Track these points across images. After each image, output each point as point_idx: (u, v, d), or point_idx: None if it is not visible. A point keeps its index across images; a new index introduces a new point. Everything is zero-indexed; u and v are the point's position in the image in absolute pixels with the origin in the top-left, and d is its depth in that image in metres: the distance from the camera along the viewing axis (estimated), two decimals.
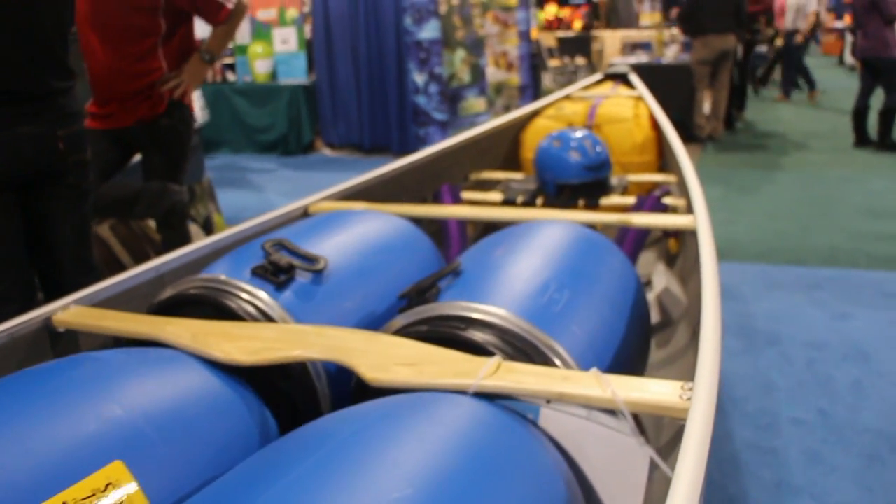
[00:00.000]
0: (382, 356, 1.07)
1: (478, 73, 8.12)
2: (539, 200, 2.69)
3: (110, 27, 2.78)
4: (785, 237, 4.35)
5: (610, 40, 9.67)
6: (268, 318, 1.27)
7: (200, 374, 1.09)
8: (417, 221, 1.93)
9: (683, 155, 2.28)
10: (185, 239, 3.30)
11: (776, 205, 5.09)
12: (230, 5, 2.88)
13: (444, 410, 0.89)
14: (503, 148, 3.29)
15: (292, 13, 8.04)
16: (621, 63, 7.94)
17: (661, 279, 2.14)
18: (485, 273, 1.28)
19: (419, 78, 7.23)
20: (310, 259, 1.39)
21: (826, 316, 3.22)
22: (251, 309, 1.27)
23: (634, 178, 2.93)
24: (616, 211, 2.53)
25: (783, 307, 3.35)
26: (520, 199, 2.68)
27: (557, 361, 1.10)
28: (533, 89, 8.79)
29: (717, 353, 1.05)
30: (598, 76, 4.00)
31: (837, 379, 2.67)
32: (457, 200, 2.58)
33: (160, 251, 3.44)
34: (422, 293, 1.24)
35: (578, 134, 2.73)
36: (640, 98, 3.44)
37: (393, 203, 2.20)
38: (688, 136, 7.41)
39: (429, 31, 7.17)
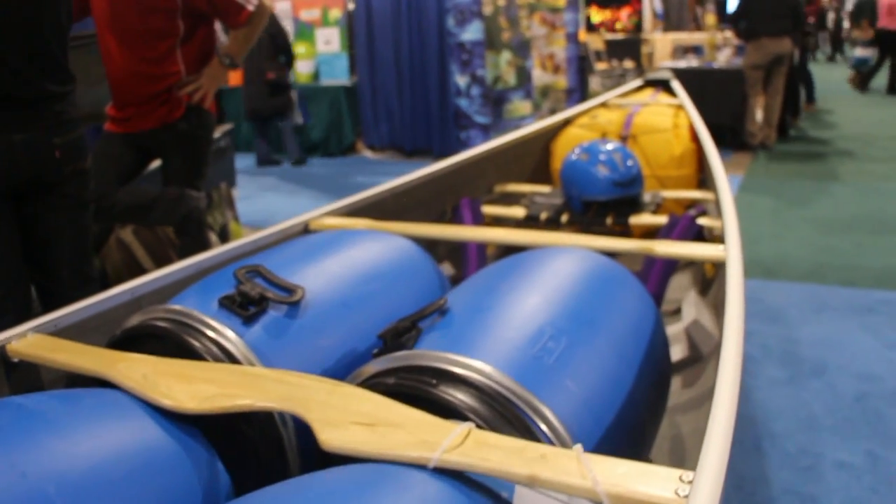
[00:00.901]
0: (342, 411, 0.93)
1: (523, 76, 7.95)
2: (564, 217, 2.54)
3: (128, 30, 2.71)
4: (836, 255, 4.10)
5: (661, 43, 9.40)
6: (231, 358, 1.15)
7: (141, 424, 0.97)
8: (431, 241, 1.80)
9: (721, 173, 2.10)
10: (204, 247, 3.22)
11: (828, 219, 4.82)
12: (251, 7, 2.78)
13: (394, 492, 0.75)
14: (533, 158, 3.13)
15: (335, 13, 7.98)
16: (669, 67, 7.68)
17: (692, 308, 1.95)
18: (473, 314, 1.13)
19: (461, 80, 7.10)
20: (286, 289, 1.26)
21: (879, 344, 2.99)
22: (213, 347, 1.15)
23: (669, 194, 2.75)
24: (647, 230, 2.36)
25: (832, 333, 3.12)
26: (543, 215, 2.52)
27: (543, 427, 0.95)
28: (580, 92, 8.58)
29: (728, 439, 0.88)
30: (637, 82, 3.81)
31: (890, 418, 2.45)
32: (476, 215, 2.44)
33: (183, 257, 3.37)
34: (398, 336, 1.10)
35: (608, 146, 2.56)
36: (680, 107, 3.25)
37: (404, 220, 2.07)
38: (739, 143, 7.13)
39: (471, 32, 7.02)
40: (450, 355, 1.01)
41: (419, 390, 0.98)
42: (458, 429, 0.85)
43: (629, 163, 2.53)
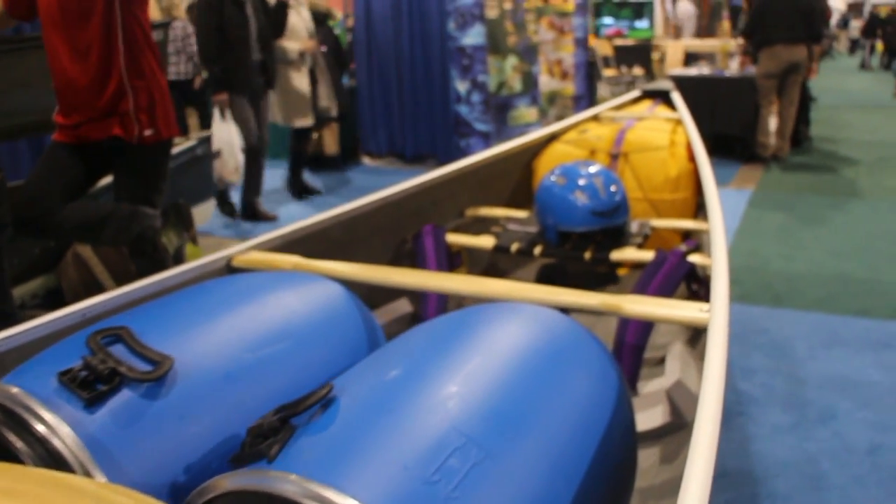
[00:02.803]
0: None
1: (530, 82, 7.69)
2: (537, 249, 2.26)
3: (71, 25, 2.50)
4: (850, 280, 3.81)
5: (672, 49, 9.11)
6: (58, 462, 0.90)
7: None
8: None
9: (716, 204, 1.84)
10: (162, 268, 2.98)
11: (843, 239, 4.52)
12: None
13: None
14: (513, 178, 2.86)
15: (336, 15, 7.75)
16: (679, 75, 7.39)
17: (677, 364, 1.67)
18: (364, 411, 0.87)
19: (461, 86, 6.84)
20: (151, 360, 1.01)
21: None
22: (37, 446, 0.90)
23: (660, 223, 2.47)
24: (633, 266, 2.10)
25: (844, 370, 2.84)
26: (514, 246, 2.25)
27: None
28: (588, 99, 8.31)
29: None
30: (634, 93, 3.53)
31: None
32: (439, 245, 2.19)
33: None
34: (261, 438, 0.84)
35: (590, 169, 2.28)
36: (679, 122, 2.96)
37: (353, 253, 1.82)
38: (749, 155, 6.83)
39: (473, 36, 6.77)
40: (311, 486, 0.75)
41: None
42: None
43: (612, 188, 2.25)
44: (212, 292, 1.26)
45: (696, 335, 2.06)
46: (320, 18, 6.87)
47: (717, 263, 1.43)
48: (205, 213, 4.49)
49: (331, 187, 6.56)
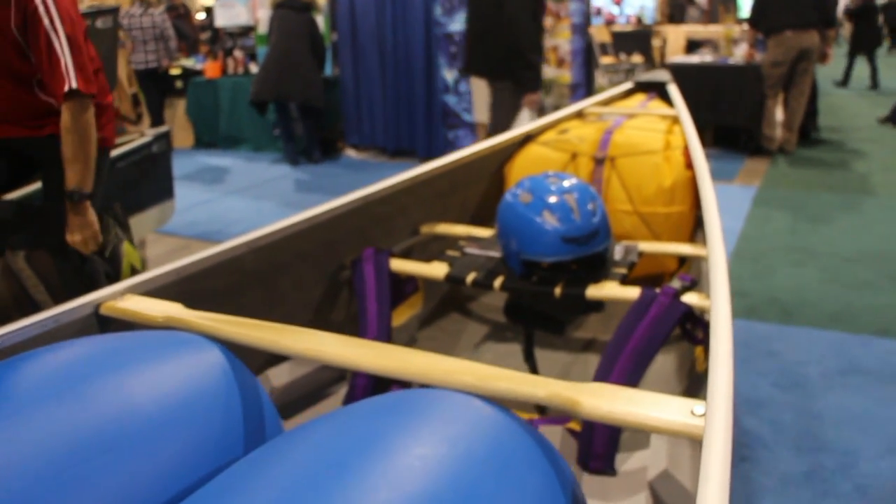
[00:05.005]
0: None
1: None
2: (497, 281, 1.87)
3: None
4: (869, 291, 3.44)
5: (673, 36, 8.69)
6: None
7: None
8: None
9: (716, 227, 1.47)
10: (92, 279, 2.65)
11: (858, 242, 4.14)
12: (74, 83, 2.09)
13: None
14: (480, 186, 2.47)
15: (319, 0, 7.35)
16: (680, 63, 7.00)
17: (664, 446, 1.27)
18: None
19: (449, 75, 6.46)
20: None
21: None
22: None
23: (649, 248, 2.06)
24: (616, 301, 1.72)
25: (864, 403, 2.48)
26: (471, 276, 1.86)
27: None
28: (586, 88, 7.92)
29: None
30: (626, 85, 3.12)
31: None
32: (381, 274, 1.82)
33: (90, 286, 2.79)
34: None
35: (563, 183, 1.86)
36: (676, 119, 2.57)
37: (269, 287, 1.46)
38: (755, 148, 6.45)
39: (461, 22, 6.37)
40: None
41: None
42: None
43: (590, 207, 1.83)
44: (46, 366, 0.92)
45: (693, 385, 1.69)
46: (302, 7, 6.51)
47: (718, 326, 1.05)
48: (164, 214, 4.13)
49: (305, 182, 6.21)
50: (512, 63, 4.27)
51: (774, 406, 2.48)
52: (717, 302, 1.14)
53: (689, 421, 0.86)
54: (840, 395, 2.54)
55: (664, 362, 1.96)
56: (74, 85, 2.09)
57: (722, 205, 4.66)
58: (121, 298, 1.30)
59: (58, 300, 2.77)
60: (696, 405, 0.88)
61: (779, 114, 6.47)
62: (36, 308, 2.92)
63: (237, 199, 5.66)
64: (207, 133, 7.94)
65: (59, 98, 2.13)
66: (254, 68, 7.71)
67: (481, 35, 4.49)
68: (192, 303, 1.39)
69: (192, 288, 1.43)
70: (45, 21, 2.11)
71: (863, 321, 3.11)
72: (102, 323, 1.30)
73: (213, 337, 1.13)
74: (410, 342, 2.08)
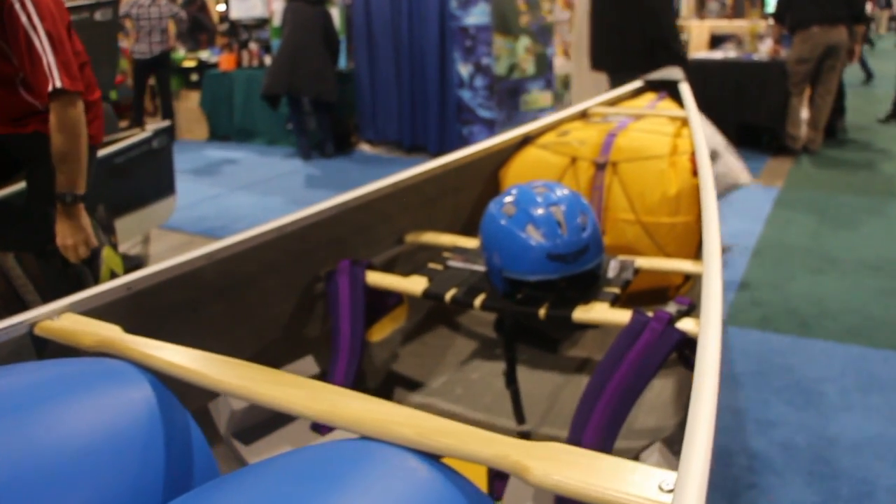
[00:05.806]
0: None
1: (544, 64, 7.14)
2: (478, 299, 1.74)
3: None
4: (892, 302, 3.26)
5: (697, 31, 8.47)
6: None
7: None
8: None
9: (715, 244, 1.34)
10: (77, 280, 2.58)
11: (882, 249, 3.96)
12: (58, 83, 1.99)
13: None
14: (473, 192, 2.34)
15: None
16: (703, 58, 6.80)
17: None
18: None
19: (464, 69, 6.32)
20: None
21: None
22: None
23: (646, 264, 1.90)
24: (607, 326, 1.58)
25: (884, 427, 2.33)
26: (450, 293, 1.73)
27: None
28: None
29: None
30: (635, 84, 2.96)
31: None
32: (356, 288, 1.70)
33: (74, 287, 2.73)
34: None
35: (552, 194, 1.71)
36: (686, 122, 2.41)
37: (233, 299, 1.35)
38: (778, 147, 6.25)
39: (476, 15, 6.24)
40: None
41: None
42: None
43: (579, 221, 1.68)
44: None
45: (676, 436, 1.55)
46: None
47: (703, 373, 0.91)
48: (165, 210, 4.06)
49: (316, 177, 6.11)
50: (655, 55, 4.10)
51: (787, 426, 2.34)
52: (705, 338, 1.01)
53: (654, 497, 0.73)
54: (858, 416, 2.39)
55: (661, 388, 1.82)
56: (59, 84, 2.00)
57: (742, 206, 4.51)
58: (57, 318, 1.20)
59: (47, 300, 2.71)
60: (665, 478, 0.75)
61: (804, 112, 6.26)
62: (25, 307, 2.85)
63: (246, 195, 5.58)
64: (222, 126, 7.88)
65: (43, 98, 2.04)
66: (268, 61, 7.62)
67: (614, 28, 4.31)
68: (142, 321, 1.29)
69: (143, 304, 1.33)
70: (23, 19, 2.01)
71: (885, 335, 2.95)
72: (38, 343, 1.20)
73: (146, 366, 1.03)
74: (391, 359, 1.96)
